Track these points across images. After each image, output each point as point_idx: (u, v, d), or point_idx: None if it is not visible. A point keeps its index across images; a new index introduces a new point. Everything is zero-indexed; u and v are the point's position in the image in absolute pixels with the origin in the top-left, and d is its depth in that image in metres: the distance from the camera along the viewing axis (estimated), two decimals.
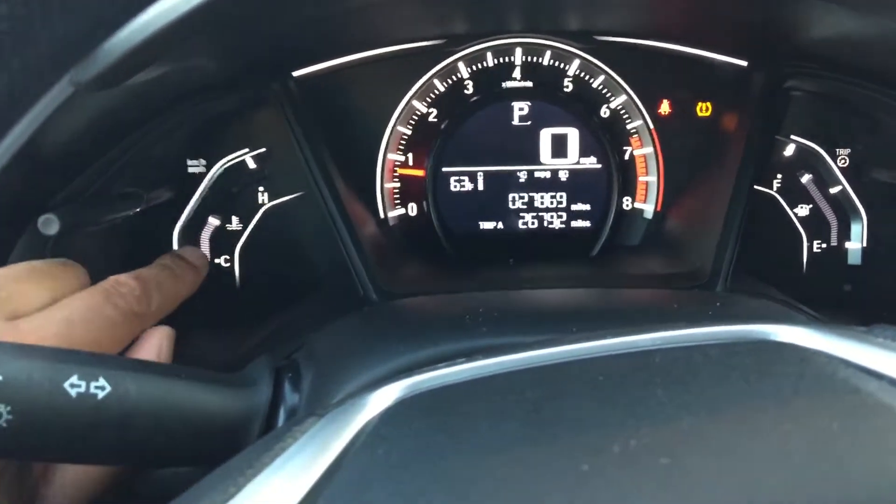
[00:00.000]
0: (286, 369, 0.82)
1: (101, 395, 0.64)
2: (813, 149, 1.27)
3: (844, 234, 1.29)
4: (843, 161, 1.27)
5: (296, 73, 1.24)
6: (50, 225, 0.91)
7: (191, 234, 1.25)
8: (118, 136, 1.05)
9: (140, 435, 0.67)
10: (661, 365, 0.57)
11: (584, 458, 0.45)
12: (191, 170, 1.24)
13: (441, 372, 0.60)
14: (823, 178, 1.28)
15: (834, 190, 1.28)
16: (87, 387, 0.63)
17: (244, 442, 0.73)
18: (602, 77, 1.36)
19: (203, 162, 1.24)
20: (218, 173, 1.24)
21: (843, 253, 1.30)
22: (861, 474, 0.42)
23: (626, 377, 0.56)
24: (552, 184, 1.37)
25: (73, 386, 0.62)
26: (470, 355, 0.63)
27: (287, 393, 0.79)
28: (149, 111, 1.07)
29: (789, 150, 1.28)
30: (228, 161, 1.25)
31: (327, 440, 0.53)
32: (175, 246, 1.24)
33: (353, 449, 0.51)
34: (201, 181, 1.24)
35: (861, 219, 1.27)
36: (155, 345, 0.89)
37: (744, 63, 1.28)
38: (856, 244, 1.28)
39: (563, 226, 1.39)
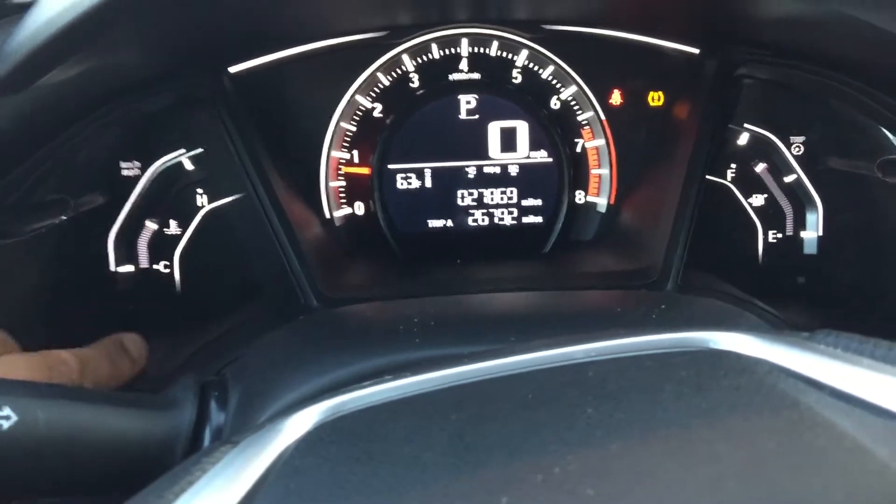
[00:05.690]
0: (213, 387, 0.78)
1: (6, 425, 0.61)
2: (767, 137, 1.25)
3: (800, 224, 1.27)
4: (797, 149, 1.25)
5: (231, 69, 1.19)
6: None
7: (127, 239, 1.19)
8: (39, 140, 0.99)
9: (53, 465, 0.64)
10: (594, 379, 0.54)
11: (505, 489, 0.43)
12: (124, 172, 1.18)
13: (364, 392, 0.57)
14: (778, 167, 1.26)
15: (788, 179, 1.25)
16: None
17: (168, 466, 0.70)
18: (551, 67, 1.32)
19: (137, 164, 1.19)
20: (154, 175, 1.19)
21: (799, 243, 1.27)
22: (799, 498, 0.39)
23: (557, 394, 0.53)
24: (502, 179, 1.33)
25: None
26: (400, 370, 0.60)
27: (213, 412, 0.75)
28: (72, 112, 1.01)
29: (743, 139, 1.25)
30: (164, 163, 1.19)
31: (238, 472, 0.50)
32: (111, 253, 1.18)
33: (265, 483, 0.48)
34: (136, 184, 1.18)
35: (816, 208, 1.25)
36: None
37: (695, 50, 1.25)
38: (811, 233, 1.26)
39: (515, 222, 1.35)
